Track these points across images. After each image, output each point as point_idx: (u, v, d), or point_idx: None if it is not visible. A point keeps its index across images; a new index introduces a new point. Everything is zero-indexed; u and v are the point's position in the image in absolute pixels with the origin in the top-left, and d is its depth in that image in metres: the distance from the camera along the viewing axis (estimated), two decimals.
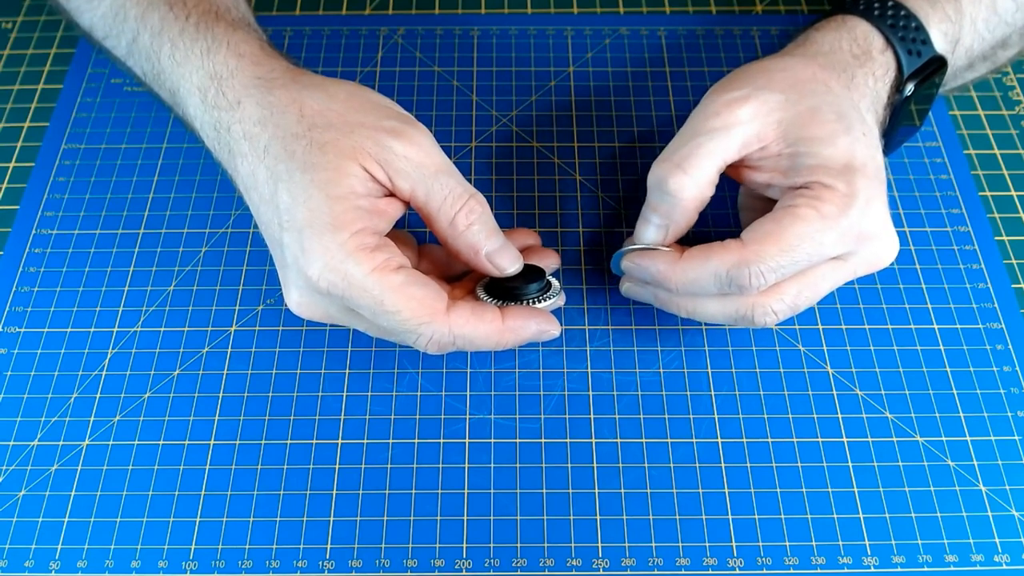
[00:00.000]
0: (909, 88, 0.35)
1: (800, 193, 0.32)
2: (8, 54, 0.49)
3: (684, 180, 0.32)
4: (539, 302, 0.34)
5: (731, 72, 0.35)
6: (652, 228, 0.34)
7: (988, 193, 0.43)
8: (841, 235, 0.31)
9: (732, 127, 0.32)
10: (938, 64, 0.36)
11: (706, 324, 0.39)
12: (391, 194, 0.32)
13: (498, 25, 0.49)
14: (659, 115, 0.46)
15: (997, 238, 0.42)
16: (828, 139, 0.32)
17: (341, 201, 0.30)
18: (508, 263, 0.34)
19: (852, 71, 0.35)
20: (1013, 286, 0.40)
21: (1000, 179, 0.44)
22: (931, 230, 0.42)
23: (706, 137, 0.32)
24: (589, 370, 0.38)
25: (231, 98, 0.33)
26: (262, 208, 0.32)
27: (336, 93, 0.33)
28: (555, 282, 0.36)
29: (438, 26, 0.49)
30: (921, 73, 0.35)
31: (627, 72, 0.47)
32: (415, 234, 0.40)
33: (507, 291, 0.34)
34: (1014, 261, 0.41)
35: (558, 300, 0.35)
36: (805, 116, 0.32)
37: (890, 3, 0.36)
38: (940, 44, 0.36)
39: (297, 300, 0.33)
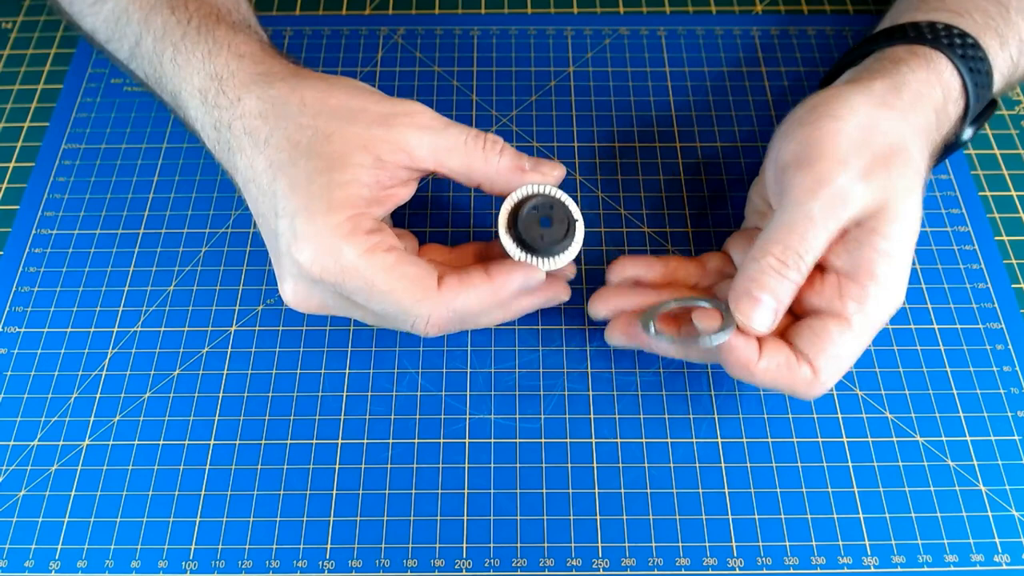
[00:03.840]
0: (968, 133, 0.35)
1: (848, 294, 0.31)
2: (8, 54, 0.49)
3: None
4: (562, 253, 0.34)
5: (820, 114, 0.32)
6: (767, 311, 0.31)
7: (988, 193, 0.43)
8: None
9: (840, 208, 0.31)
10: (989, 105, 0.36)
11: None
12: (395, 185, 0.32)
13: (498, 25, 0.49)
14: (659, 115, 0.46)
15: (997, 238, 0.42)
16: (901, 222, 0.31)
17: (343, 187, 0.30)
18: (553, 168, 0.34)
19: (934, 127, 0.34)
20: (1013, 286, 0.40)
21: (1000, 179, 0.44)
22: (931, 230, 0.42)
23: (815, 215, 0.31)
24: (589, 370, 0.38)
25: (232, 96, 0.33)
26: (260, 200, 0.32)
27: (336, 83, 0.33)
28: (579, 220, 0.34)
29: (438, 26, 0.49)
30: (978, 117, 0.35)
31: (627, 72, 0.47)
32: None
33: (527, 235, 0.33)
34: (1014, 261, 0.41)
35: (577, 245, 0.34)
36: (890, 202, 0.31)
37: (970, 41, 0.35)
38: (996, 86, 0.36)
39: (292, 289, 0.32)
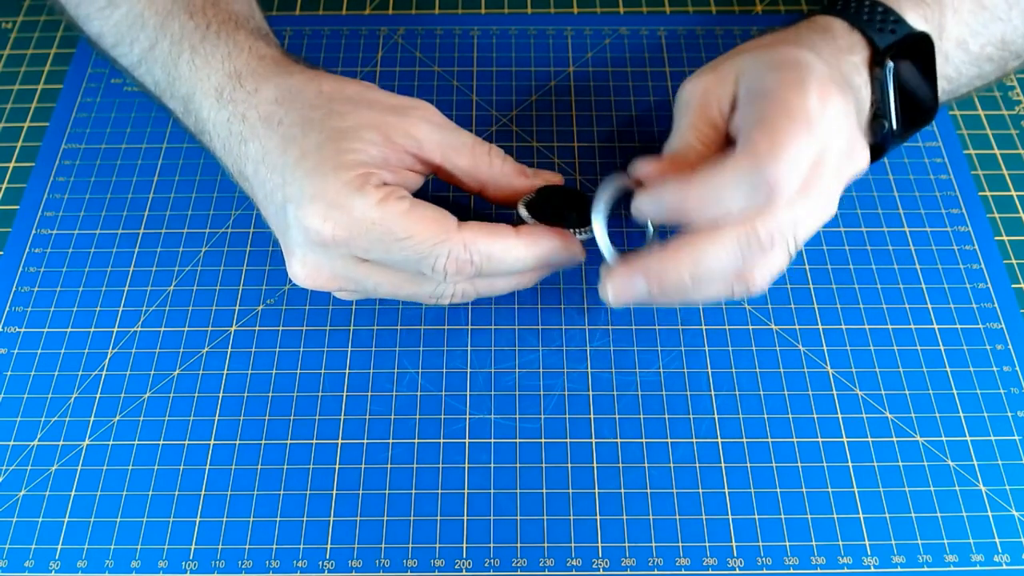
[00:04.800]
0: (890, 64, 0.34)
1: (763, 92, 0.31)
2: (8, 54, 0.49)
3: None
4: (578, 234, 0.35)
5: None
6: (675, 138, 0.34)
7: (988, 193, 0.43)
8: (819, 88, 0.30)
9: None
10: (924, 43, 0.35)
11: (705, 324, 0.39)
12: (403, 169, 0.33)
13: (498, 25, 0.49)
14: (659, 115, 0.46)
15: (997, 238, 0.42)
16: (783, 49, 0.33)
17: (353, 152, 0.31)
18: (554, 175, 0.36)
19: (815, 40, 0.34)
20: (1013, 286, 0.40)
21: (1000, 179, 0.44)
22: (931, 230, 0.42)
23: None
24: (589, 370, 0.38)
25: (250, 87, 0.34)
26: (269, 178, 0.32)
27: (352, 80, 0.34)
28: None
29: (438, 26, 0.49)
30: (906, 51, 0.35)
31: (627, 72, 0.47)
32: None
33: (552, 212, 0.34)
34: (1014, 261, 0.41)
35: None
36: (765, 55, 0.33)
37: (853, 2, 0.36)
38: (920, 26, 0.35)
39: (301, 262, 0.32)
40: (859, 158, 0.33)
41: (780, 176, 0.29)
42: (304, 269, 0.32)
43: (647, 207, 0.32)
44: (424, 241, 0.30)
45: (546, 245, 0.33)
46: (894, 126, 0.35)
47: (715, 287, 0.33)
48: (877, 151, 0.37)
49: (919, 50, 0.35)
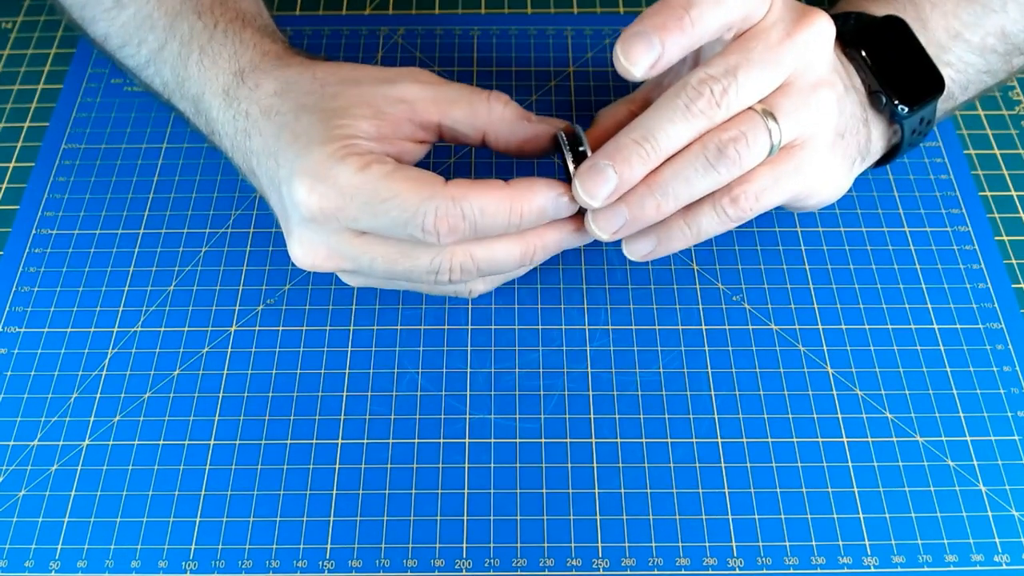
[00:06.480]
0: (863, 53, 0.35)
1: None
2: (8, 54, 0.49)
3: None
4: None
5: None
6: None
7: (988, 193, 0.43)
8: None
9: None
10: (895, 26, 0.36)
11: (705, 324, 0.39)
12: (400, 139, 0.32)
13: (498, 25, 0.49)
14: None
15: (997, 238, 0.42)
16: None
17: (340, 128, 0.30)
18: (557, 121, 0.34)
19: None
20: (1013, 286, 0.40)
21: (1000, 179, 0.44)
22: (931, 230, 0.42)
23: None
24: (589, 370, 0.38)
25: (252, 84, 0.34)
26: (269, 164, 0.32)
27: (344, 64, 0.34)
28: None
29: (438, 26, 0.49)
30: (878, 37, 0.35)
31: None
32: None
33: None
34: (1014, 261, 0.41)
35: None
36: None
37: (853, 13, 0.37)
38: (926, 34, 0.36)
39: (298, 242, 0.32)
40: (837, 87, 0.33)
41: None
42: (302, 248, 0.32)
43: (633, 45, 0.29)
44: (410, 199, 0.29)
45: (541, 194, 0.30)
46: (894, 99, 0.35)
47: (683, 162, 0.30)
48: (894, 151, 0.38)
49: (894, 31, 0.36)
